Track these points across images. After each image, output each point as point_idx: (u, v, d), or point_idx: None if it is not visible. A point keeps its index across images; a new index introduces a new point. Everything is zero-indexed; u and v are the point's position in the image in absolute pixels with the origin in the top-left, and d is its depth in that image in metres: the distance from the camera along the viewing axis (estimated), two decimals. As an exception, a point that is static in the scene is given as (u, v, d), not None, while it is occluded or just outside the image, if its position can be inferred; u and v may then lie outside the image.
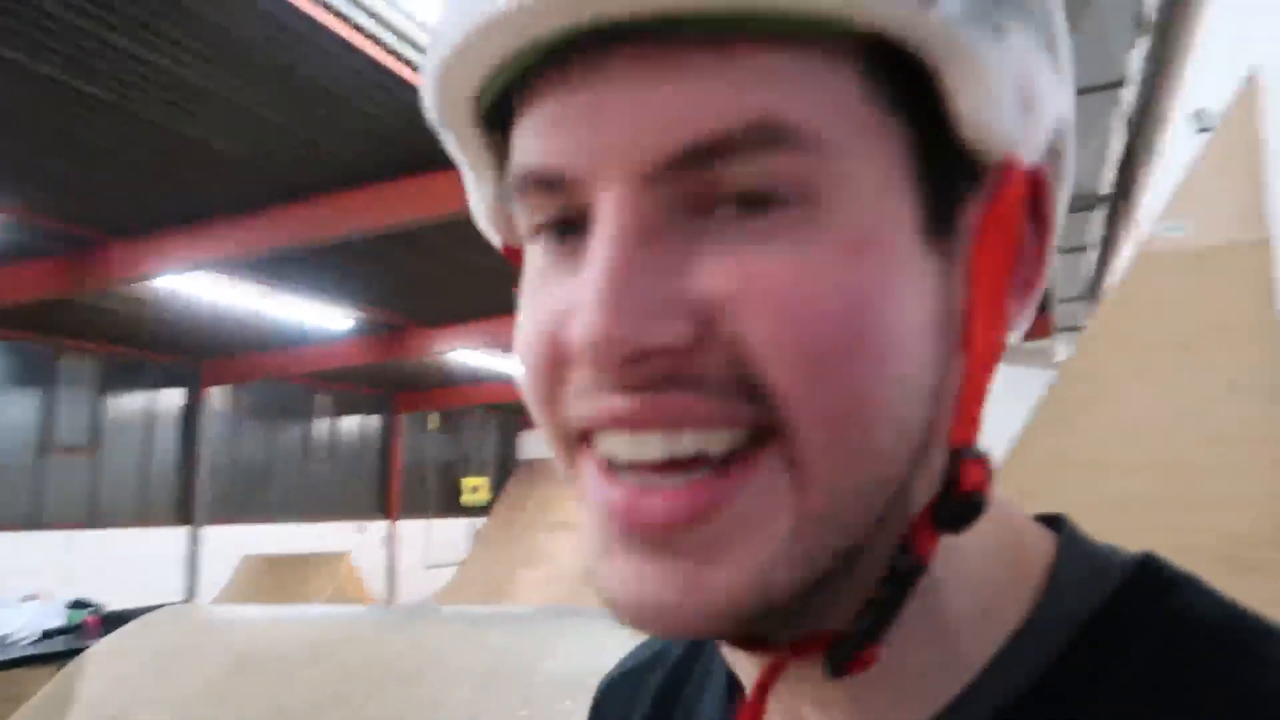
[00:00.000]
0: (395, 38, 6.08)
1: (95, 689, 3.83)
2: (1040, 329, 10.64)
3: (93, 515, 14.35)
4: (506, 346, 15.74)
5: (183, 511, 15.99)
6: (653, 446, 0.37)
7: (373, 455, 20.71)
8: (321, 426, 19.35)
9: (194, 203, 8.70)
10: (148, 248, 9.57)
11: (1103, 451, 2.61)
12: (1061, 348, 11.92)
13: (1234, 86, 2.98)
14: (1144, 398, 2.61)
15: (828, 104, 0.35)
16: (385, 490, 20.89)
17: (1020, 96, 0.38)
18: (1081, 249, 7.45)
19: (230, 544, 15.92)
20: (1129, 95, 4.81)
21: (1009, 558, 0.43)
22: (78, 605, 5.14)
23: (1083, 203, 6.32)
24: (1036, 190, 0.41)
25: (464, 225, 7.33)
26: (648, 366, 0.35)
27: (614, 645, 2.61)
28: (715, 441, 0.36)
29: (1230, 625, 0.40)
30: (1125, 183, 6.12)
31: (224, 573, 14.89)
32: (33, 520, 13.29)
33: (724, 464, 0.37)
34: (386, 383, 19.68)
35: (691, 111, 0.34)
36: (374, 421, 20.80)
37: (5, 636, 4.49)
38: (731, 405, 0.36)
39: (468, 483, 22.92)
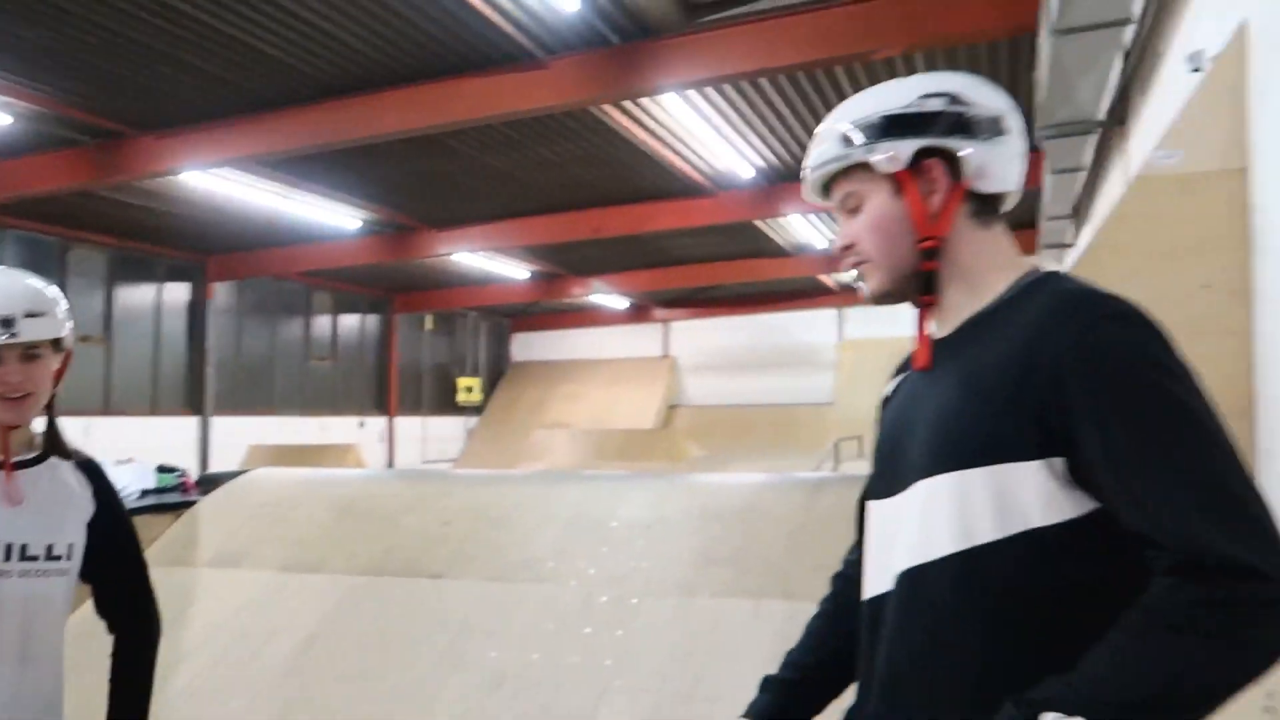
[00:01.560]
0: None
1: (216, 532, 4.42)
2: (1027, 246, 11.26)
3: (107, 402, 14.86)
4: (506, 250, 16.15)
5: (192, 401, 16.52)
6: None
7: (371, 353, 21.22)
8: (322, 324, 19.78)
9: (222, 100, 8.95)
10: (172, 143, 9.84)
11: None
12: (1049, 263, 12.53)
13: (1226, 34, 3.47)
14: (1134, 296, 3.18)
15: (856, 182, 1.26)
16: (383, 387, 21.46)
17: (888, 159, 1.22)
18: (1075, 170, 7.95)
19: (237, 434, 16.52)
20: (1129, 33, 5.26)
21: (1011, 266, 1.24)
22: (163, 469, 5.71)
23: (1080, 128, 6.82)
24: (921, 173, 1.23)
25: (485, 130, 7.98)
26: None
27: (673, 497, 3.43)
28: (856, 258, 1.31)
29: (1074, 280, 1.17)
30: (1120, 112, 6.62)
31: (232, 460, 15.51)
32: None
33: (861, 264, 1.30)
34: (385, 283, 20.06)
35: (842, 188, 1.29)
36: (372, 321, 21.25)
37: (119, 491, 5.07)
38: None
39: (462, 383, 23.53)
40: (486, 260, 17.13)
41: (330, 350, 19.99)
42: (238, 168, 10.89)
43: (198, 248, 15.93)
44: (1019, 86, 8.82)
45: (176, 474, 5.57)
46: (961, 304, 1.23)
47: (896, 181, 1.23)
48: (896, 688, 1.19)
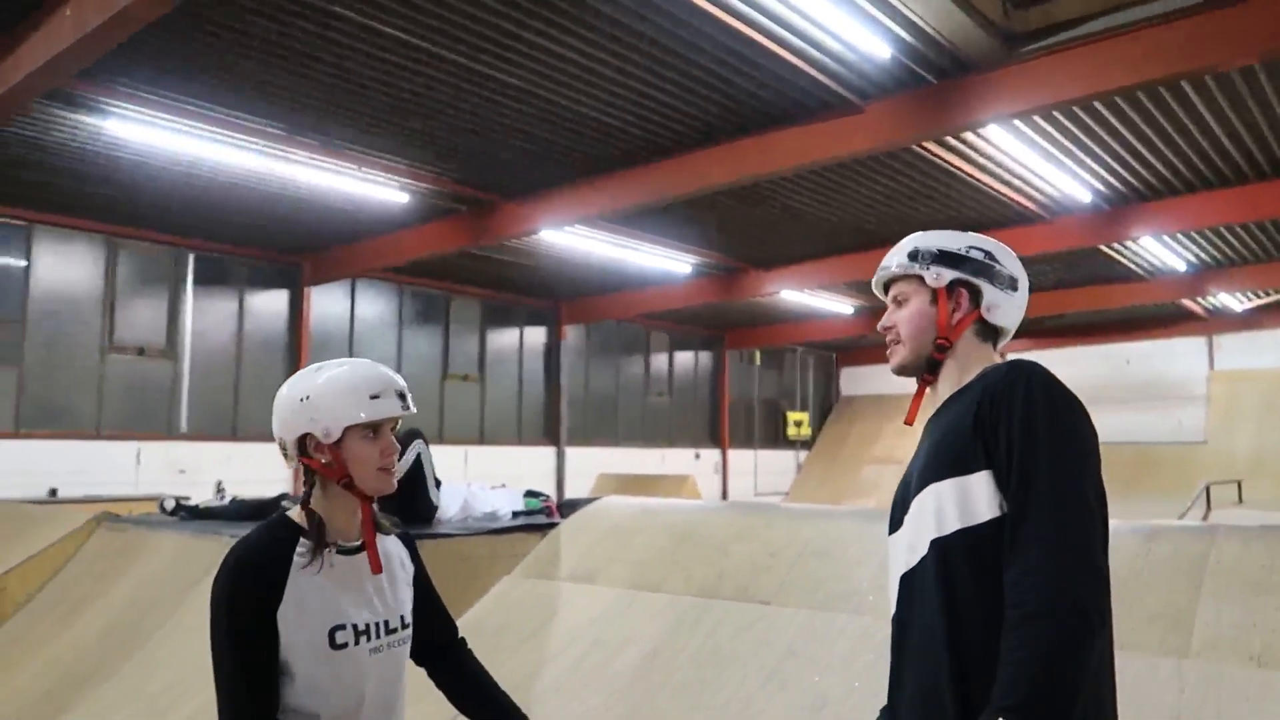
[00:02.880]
0: (743, 3, 6.74)
1: (573, 550, 5.08)
2: None
3: (482, 434, 17.00)
4: (830, 286, 16.35)
5: (549, 432, 18.38)
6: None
7: (705, 389, 22.29)
8: (659, 361, 21.15)
9: (570, 166, 10.10)
10: (531, 207, 11.23)
11: None
12: None
13: None
14: None
15: (908, 286, 1.83)
16: (716, 421, 22.41)
17: (935, 277, 1.79)
18: None
19: (587, 462, 18.10)
20: None
21: (988, 359, 1.78)
22: (530, 494, 6.58)
23: None
24: (953, 294, 1.79)
25: (797, 179, 8.34)
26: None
27: None
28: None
29: (1016, 360, 1.69)
30: None
31: (584, 486, 17.02)
32: (436, 436, 16.02)
33: (895, 342, 1.85)
34: (715, 322, 21.03)
35: (898, 287, 1.86)
36: (705, 358, 22.33)
37: (495, 511, 5.96)
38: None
39: (791, 417, 23.92)
40: (810, 297, 17.44)
41: (667, 386, 21.28)
42: (585, 224, 12.13)
43: (552, 295, 17.78)
44: None
45: (542, 498, 6.37)
46: (951, 383, 1.75)
47: (935, 294, 1.75)
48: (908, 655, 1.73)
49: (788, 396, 24.58)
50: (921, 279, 1.76)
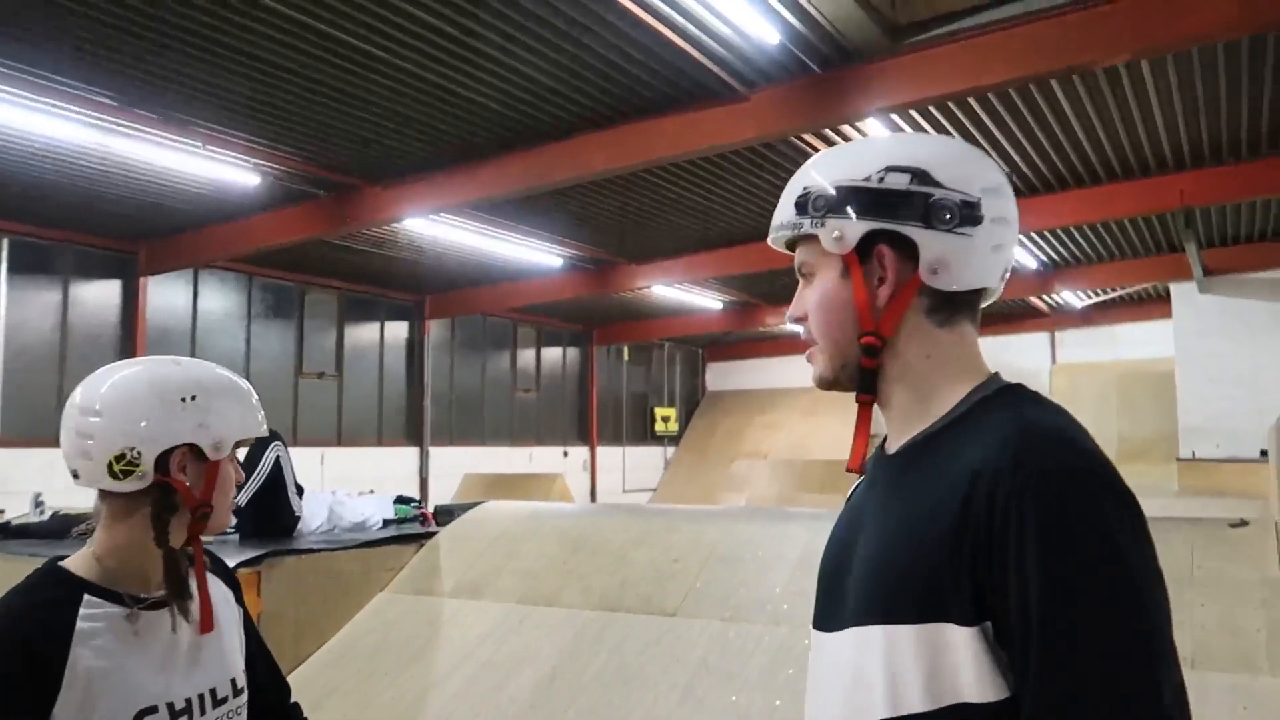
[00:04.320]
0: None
1: (455, 562, 4.63)
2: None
3: (340, 434, 16.08)
4: (700, 282, 16.28)
5: (412, 432, 17.60)
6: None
7: (573, 385, 21.92)
8: (526, 357, 20.64)
9: (440, 150, 9.52)
10: (396, 193, 10.57)
11: None
12: None
13: None
14: None
15: (810, 251, 1.14)
16: (585, 418, 22.08)
17: (834, 239, 1.09)
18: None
19: (452, 463, 17.43)
20: None
21: (967, 375, 1.10)
22: (400, 500, 6.07)
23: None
24: (870, 258, 1.09)
25: (676, 169, 8.03)
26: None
27: None
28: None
29: (1033, 405, 1.03)
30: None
31: (449, 487, 16.36)
32: (290, 438, 15.04)
33: (808, 342, 1.17)
34: (584, 317, 20.69)
35: (799, 254, 1.18)
36: (573, 354, 21.97)
37: (364, 521, 5.43)
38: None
39: (659, 413, 23.85)
40: (681, 292, 17.35)
41: (534, 383, 20.79)
42: (454, 213, 11.55)
43: (416, 289, 17.02)
44: (1261, 88, 8.08)
45: (414, 505, 5.89)
46: (910, 412, 1.11)
47: (845, 264, 1.10)
48: None
49: (655, 392, 24.51)
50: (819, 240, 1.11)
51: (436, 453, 17.69)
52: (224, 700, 1.49)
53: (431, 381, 17.83)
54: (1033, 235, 13.52)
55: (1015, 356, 21.90)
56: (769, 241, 1.24)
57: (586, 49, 7.24)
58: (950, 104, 8.35)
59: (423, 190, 10.36)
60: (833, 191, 1.10)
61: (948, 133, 9.19)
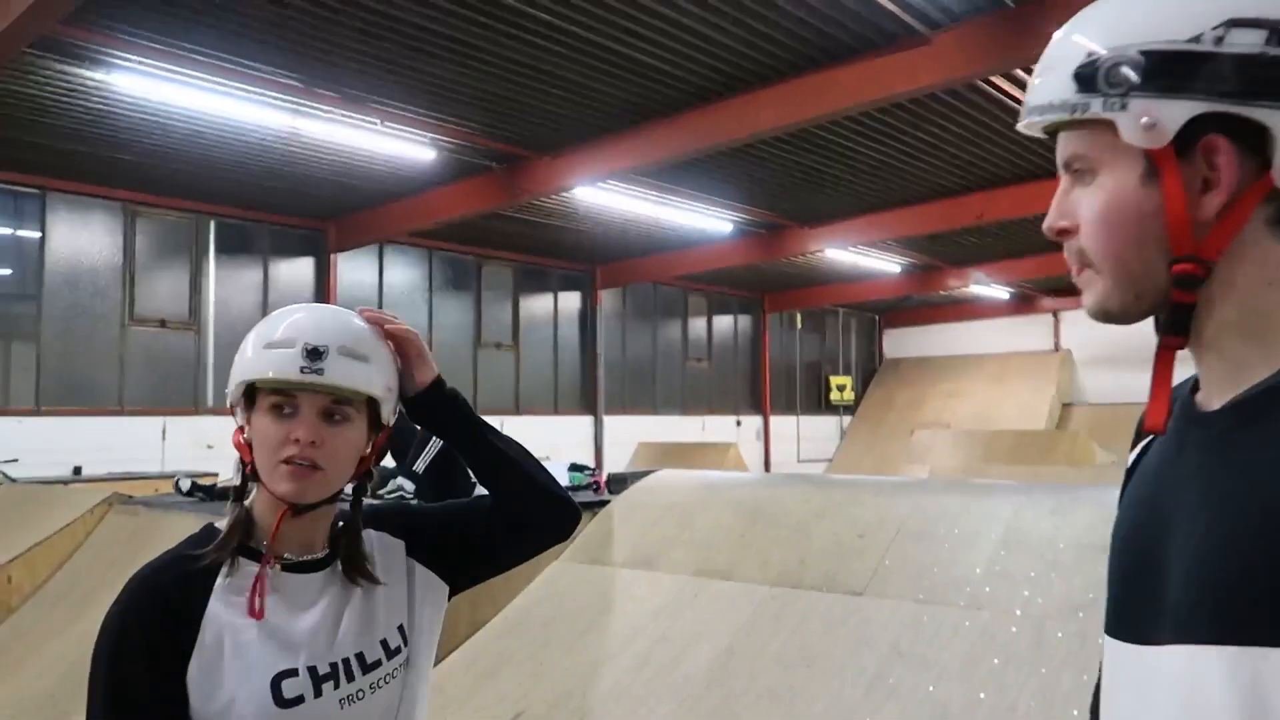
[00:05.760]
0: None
1: (628, 532, 4.49)
2: None
3: (518, 403, 16.48)
4: (877, 244, 15.56)
5: (586, 401, 17.83)
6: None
7: (744, 354, 21.62)
8: (698, 326, 20.50)
9: (607, 115, 9.41)
10: (565, 161, 10.58)
11: None
12: None
13: None
14: None
15: (1090, 140, 0.82)
16: (757, 387, 21.75)
17: (1144, 127, 0.77)
18: None
19: (625, 431, 17.56)
20: None
21: None
22: (574, 468, 6.02)
23: None
24: (1194, 154, 0.77)
25: (859, 119, 7.39)
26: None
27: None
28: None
29: None
30: None
31: (623, 456, 16.49)
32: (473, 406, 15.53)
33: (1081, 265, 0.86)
34: (755, 284, 20.31)
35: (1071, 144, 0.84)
36: (744, 322, 21.64)
37: (540, 488, 5.41)
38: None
39: (834, 381, 23.20)
40: (857, 255, 16.66)
41: (706, 351, 20.63)
42: (623, 179, 11.45)
43: (587, 259, 17.15)
44: None
45: (588, 473, 5.82)
46: (1242, 357, 0.79)
47: (1153, 162, 0.77)
48: None
49: (830, 360, 23.84)
50: (1115, 128, 0.79)
51: (610, 421, 17.85)
52: (375, 664, 1.36)
53: (604, 351, 17.98)
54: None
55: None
56: (1020, 125, 0.90)
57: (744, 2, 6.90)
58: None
59: (591, 157, 10.31)
60: (1140, 57, 0.77)
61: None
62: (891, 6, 6.99)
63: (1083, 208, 0.84)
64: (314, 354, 1.29)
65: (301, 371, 1.29)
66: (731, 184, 12.17)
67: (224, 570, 1.31)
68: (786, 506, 4.22)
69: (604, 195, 12.24)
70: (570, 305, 17.85)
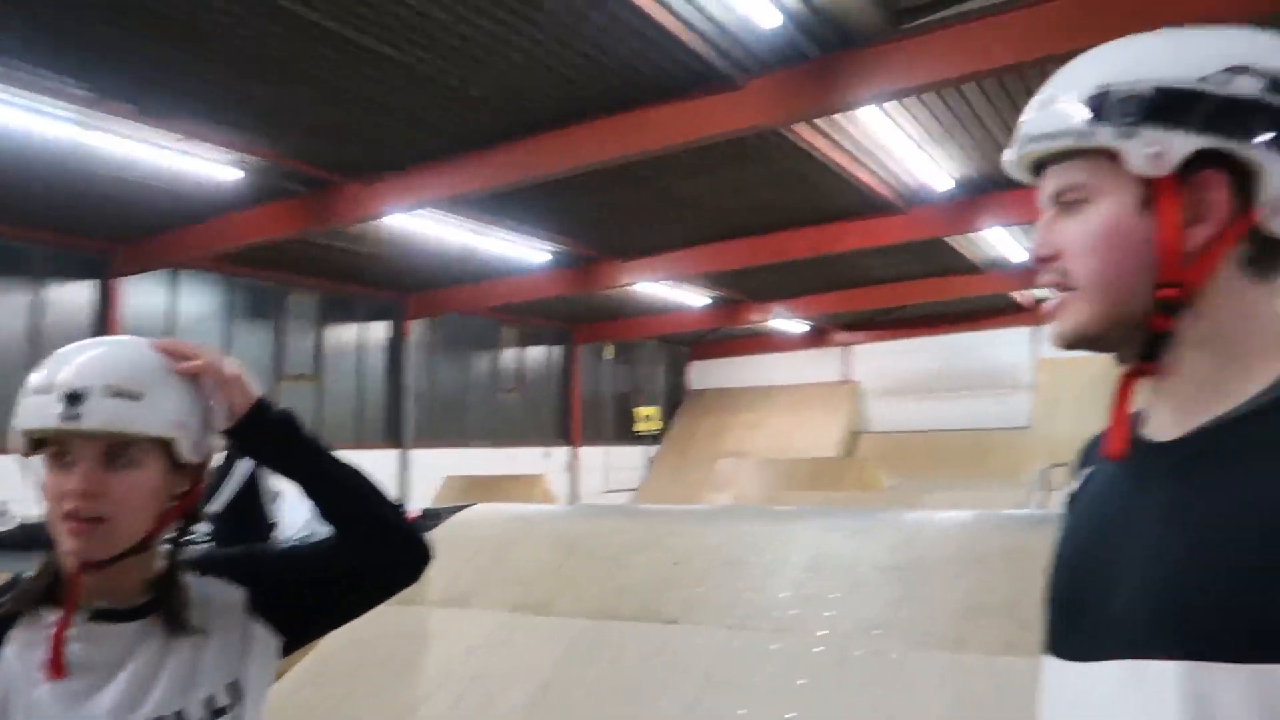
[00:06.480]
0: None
1: (442, 569, 4.37)
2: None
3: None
4: (687, 278, 16.08)
5: (392, 434, 17.30)
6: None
7: (554, 385, 21.68)
8: (508, 357, 20.38)
9: (424, 143, 9.26)
10: (378, 188, 10.31)
11: None
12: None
13: None
14: None
15: (1084, 170, 0.88)
16: (567, 418, 21.84)
17: (1151, 156, 0.84)
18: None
19: (433, 465, 17.16)
20: None
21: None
22: (384, 504, 5.83)
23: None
24: (1193, 184, 0.84)
25: (673, 156, 7.63)
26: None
27: (925, 536, 2.95)
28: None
29: None
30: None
31: (430, 490, 16.08)
32: (269, 440, 14.76)
33: (1062, 286, 0.91)
34: (567, 315, 20.46)
35: (1063, 175, 0.90)
36: (555, 352, 21.73)
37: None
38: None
39: (640, 412, 23.64)
40: (666, 289, 17.15)
41: (517, 382, 20.53)
42: (436, 208, 11.28)
43: (397, 287, 16.72)
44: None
45: (399, 509, 5.65)
46: (1206, 387, 0.85)
47: (1151, 190, 0.84)
48: None
49: (638, 391, 24.30)
50: (1116, 156, 0.85)
51: (417, 455, 17.39)
52: None
53: (412, 382, 17.55)
54: (1021, 227, 13.40)
55: (996, 351, 21.90)
56: (1008, 157, 0.97)
57: (576, 34, 7.04)
58: (944, 91, 8.19)
59: (405, 184, 10.11)
60: (1153, 91, 0.83)
61: (945, 119, 9.03)
62: (707, 53, 7.29)
63: (1072, 235, 0.89)
64: (73, 398, 1.17)
65: (61, 419, 1.17)
66: (549, 216, 12.26)
67: (22, 620, 1.21)
68: (604, 538, 4.26)
69: (418, 223, 12.01)
70: (378, 335, 17.32)
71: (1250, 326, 0.85)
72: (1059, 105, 0.88)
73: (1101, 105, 0.85)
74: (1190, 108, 0.82)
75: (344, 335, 16.69)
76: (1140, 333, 0.87)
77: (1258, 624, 0.73)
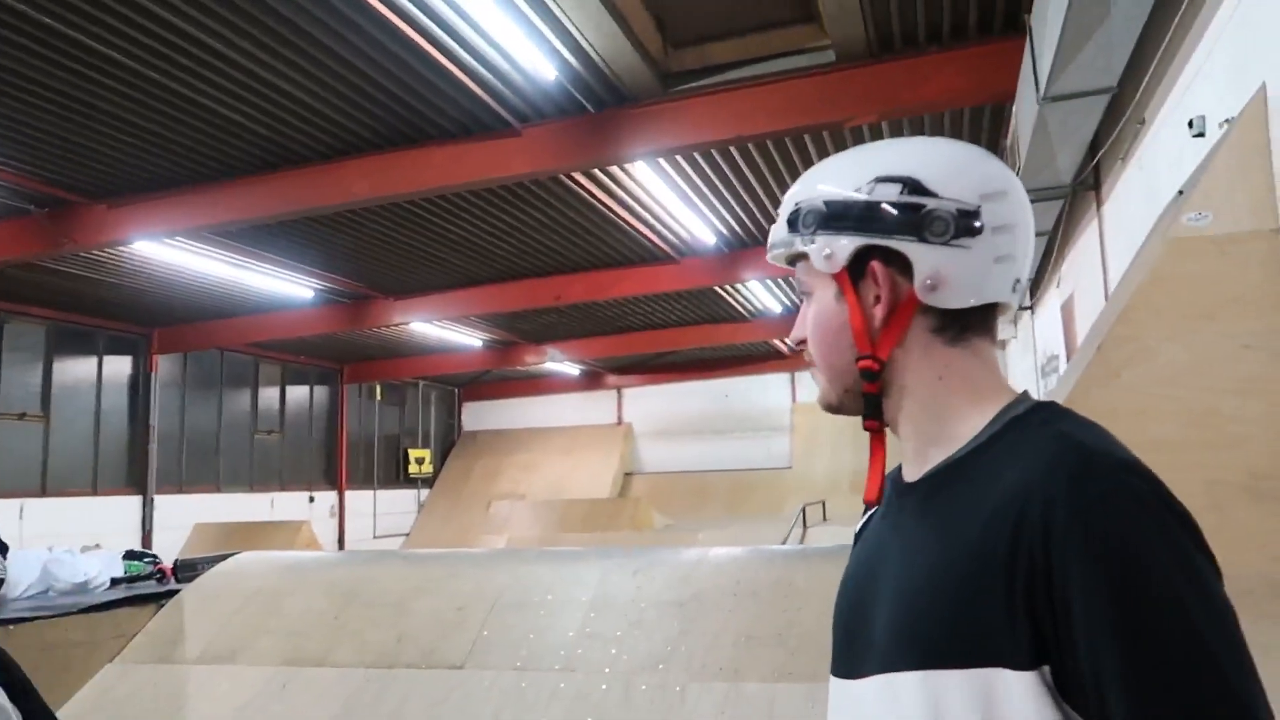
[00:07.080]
0: (412, 3, 6.09)
1: (203, 624, 4.11)
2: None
3: (45, 483, 14.14)
4: (461, 319, 15.93)
5: (134, 479, 15.81)
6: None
7: (320, 426, 20.65)
8: (269, 396, 19.23)
9: (184, 168, 8.70)
10: (127, 212, 9.52)
11: (1143, 402, 3.14)
12: (1008, 328, 12.77)
13: (1242, 97, 3.54)
14: (1176, 358, 3.16)
15: (813, 270, 1.05)
16: (333, 460, 20.86)
17: (824, 258, 1.02)
18: (1040, 234, 8.13)
19: (181, 512, 15.86)
20: (1106, 100, 5.42)
21: (989, 398, 1.01)
22: (131, 555, 5.35)
23: (1054, 193, 6.98)
24: (863, 276, 1.02)
25: (450, 197, 7.70)
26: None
27: (701, 573, 3.23)
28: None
29: (1069, 422, 0.94)
30: (1090, 177, 6.81)
31: (176, 540, 14.84)
32: (-17, 488, 13.07)
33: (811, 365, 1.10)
34: (334, 354, 19.64)
35: (798, 271, 1.08)
36: (321, 392, 20.73)
37: (87, 582, 4.71)
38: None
39: (413, 454, 23.00)
40: (439, 329, 16.89)
41: (278, 423, 19.41)
42: (190, 237, 10.57)
43: (143, 319, 15.42)
44: (996, 153, 9.01)
45: (148, 559, 5.21)
46: (928, 437, 1.02)
47: (839, 283, 1.03)
48: None
49: (410, 433, 23.65)
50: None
51: (162, 501, 16.01)
52: None
53: (158, 422, 16.16)
54: (778, 280, 14.35)
55: (758, 396, 23.19)
56: (769, 259, 1.14)
57: (351, 68, 6.87)
58: (713, 151, 8.70)
59: (159, 210, 9.40)
60: (822, 206, 1.03)
61: (712, 177, 9.57)
62: (486, 98, 7.36)
63: (808, 323, 1.08)
64: None
65: None
66: (317, 250, 11.78)
67: None
68: (383, 585, 4.15)
69: (169, 252, 11.16)
70: (119, 371, 15.85)
71: (951, 384, 1.01)
72: (779, 222, 1.08)
73: (796, 219, 1.05)
74: (846, 214, 1.01)
75: (79, 370, 15.14)
76: (861, 398, 1.05)
77: (969, 633, 0.87)
